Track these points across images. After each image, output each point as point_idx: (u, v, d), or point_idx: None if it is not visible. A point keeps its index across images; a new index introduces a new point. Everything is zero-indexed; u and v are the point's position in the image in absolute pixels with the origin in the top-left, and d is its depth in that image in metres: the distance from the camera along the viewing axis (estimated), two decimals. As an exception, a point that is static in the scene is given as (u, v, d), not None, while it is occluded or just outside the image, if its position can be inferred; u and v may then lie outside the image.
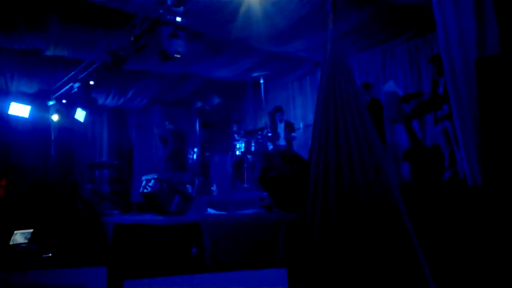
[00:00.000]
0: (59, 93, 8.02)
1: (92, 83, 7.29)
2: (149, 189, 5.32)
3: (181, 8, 5.16)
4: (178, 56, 5.35)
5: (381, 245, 2.34)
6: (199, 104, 7.50)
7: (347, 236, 2.39)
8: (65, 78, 7.69)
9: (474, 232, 2.66)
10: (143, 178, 5.66)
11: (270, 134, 7.37)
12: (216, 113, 5.96)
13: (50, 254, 4.65)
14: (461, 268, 2.58)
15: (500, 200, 2.68)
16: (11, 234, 4.91)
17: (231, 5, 5.41)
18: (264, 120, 7.88)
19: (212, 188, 7.40)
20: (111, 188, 8.71)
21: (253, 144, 7.26)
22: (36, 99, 8.21)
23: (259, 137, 7.32)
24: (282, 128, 7.70)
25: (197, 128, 7.71)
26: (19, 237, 4.93)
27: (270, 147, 7.18)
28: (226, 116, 6.25)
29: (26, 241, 4.92)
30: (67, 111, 8.06)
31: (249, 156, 7.31)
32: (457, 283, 2.52)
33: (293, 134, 7.73)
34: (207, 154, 7.66)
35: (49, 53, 6.78)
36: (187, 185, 7.51)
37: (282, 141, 7.59)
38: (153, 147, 9.30)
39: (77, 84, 7.45)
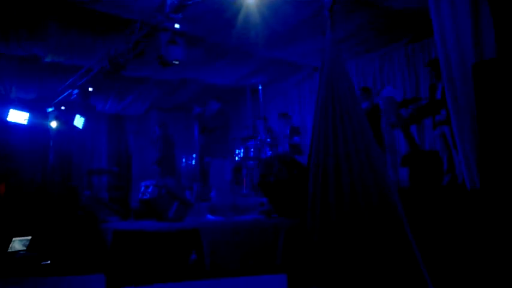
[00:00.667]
0: (57, 100, 8.03)
1: (90, 89, 7.29)
2: (148, 195, 5.30)
3: (180, 15, 5.18)
4: (176, 62, 5.37)
5: (380, 249, 2.34)
6: (197, 110, 7.49)
7: (347, 239, 2.39)
8: (64, 85, 7.70)
9: (473, 235, 2.66)
10: (142, 184, 5.65)
11: (268, 140, 7.36)
12: (214, 119, 5.96)
13: (49, 261, 4.62)
14: (461, 271, 2.58)
15: (499, 203, 2.68)
16: (10, 241, 4.88)
17: (229, 11, 5.44)
18: (262, 126, 7.87)
19: (211, 194, 7.38)
20: (110, 194, 8.68)
21: (252, 150, 7.25)
22: (35, 106, 8.20)
23: (258, 142, 7.32)
24: (287, 133, 7.70)
25: (196, 134, 7.71)
26: (17, 244, 4.90)
27: (269, 153, 7.17)
28: (225, 122, 6.24)
29: (25, 248, 4.89)
30: (66, 118, 8.05)
31: (249, 162, 7.31)
32: (457, 286, 2.51)
33: (296, 138, 7.69)
34: (205, 160, 7.66)
35: (48, 59, 6.79)
36: (186, 191, 7.50)
37: (286, 147, 7.58)
38: (152, 153, 9.28)
39: (75, 91, 7.46)
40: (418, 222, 2.58)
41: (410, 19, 6.11)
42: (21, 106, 7.91)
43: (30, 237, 4.99)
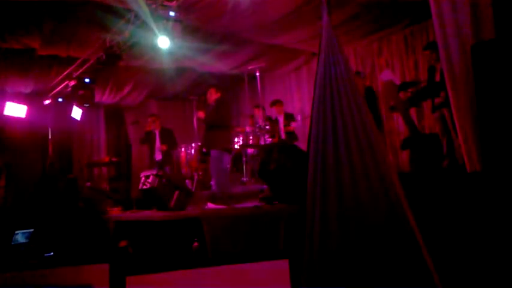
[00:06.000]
0: (54, 92, 7.99)
1: (87, 80, 7.25)
2: (148, 185, 5.31)
3: (174, 2, 5.12)
4: (173, 50, 5.33)
5: (382, 234, 2.35)
6: (196, 99, 7.47)
7: (347, 223, 2.40)
8: (60, 77, 7.66)
9: (474, 218, 2.67)
10: (142, 174, 5.65)
11: (267, 127, 7.34)
12: (213, 108, 5.93)
13: (52, 253, 4.66)
14: (462, 254, 2.59)
15: (499, 185, 2.68)
16: (12, 234, 4.91)
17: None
18: (260, 113, 7.84)
19: (211, 182, 7.39)
20: (111, 185, 8.71)
21: (251, 137, 7.24)
22: (32, 98, 8.18)
23: (257, 130, 7.30)
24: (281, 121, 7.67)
25: (195, 123, 7.70)
26: (20, 237, 4.94)
27: (268, 140, 7.16)
28: (224, 110, 6.22)
29: (27, 241, 4.92)
30: (63, 110, 8.03)
31: (249, 150, 7.30)
32: (458, 271, 2.53)
33: (293, 124, 7.67)
34: (205, 149, 7.65)
35: (43, 52, 6.74)
36: (187, 180, 7.51)
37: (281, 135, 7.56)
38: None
39: (72, 83, 7.42)
40: (418, 206, 2.59)
41: (409, 1, 6.03)
42: (19, 99, 7.90)
43: (32, 230, 5.02)
